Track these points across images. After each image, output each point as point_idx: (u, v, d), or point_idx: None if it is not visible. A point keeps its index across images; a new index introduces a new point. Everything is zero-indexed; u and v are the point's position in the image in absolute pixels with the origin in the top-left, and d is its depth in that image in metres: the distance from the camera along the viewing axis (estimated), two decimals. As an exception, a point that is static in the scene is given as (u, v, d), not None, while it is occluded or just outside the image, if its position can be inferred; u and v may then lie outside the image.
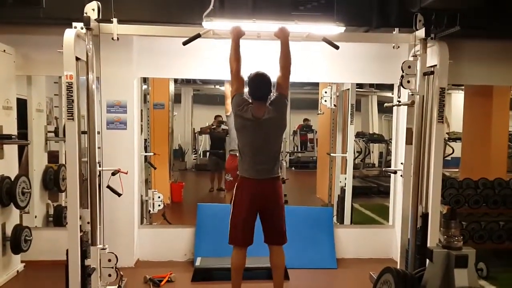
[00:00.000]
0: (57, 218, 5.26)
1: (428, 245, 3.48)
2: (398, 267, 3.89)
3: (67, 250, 3.32)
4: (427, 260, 2.70)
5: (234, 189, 3.58)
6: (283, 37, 3.45)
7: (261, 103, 3.43)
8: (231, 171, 5.54)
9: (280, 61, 3.48)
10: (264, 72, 3.48)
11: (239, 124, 3.49)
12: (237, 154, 3.67)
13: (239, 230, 3.54)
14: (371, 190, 9.05)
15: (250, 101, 3.46)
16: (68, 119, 3.28)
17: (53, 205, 5.38)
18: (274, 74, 3.51)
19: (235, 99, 3.47)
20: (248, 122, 3.40)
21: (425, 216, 3.68)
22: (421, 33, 3.64)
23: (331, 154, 6.50)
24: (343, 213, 5.95)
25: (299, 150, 14.18)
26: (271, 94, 3.50)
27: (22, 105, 4.84)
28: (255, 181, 3.47)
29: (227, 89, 5.38)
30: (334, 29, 3.73)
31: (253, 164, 3.45)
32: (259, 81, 3.45)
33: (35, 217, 5.08)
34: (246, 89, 3.54)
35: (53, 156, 5.64)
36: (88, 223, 3.48)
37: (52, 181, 5.19)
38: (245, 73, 3.51)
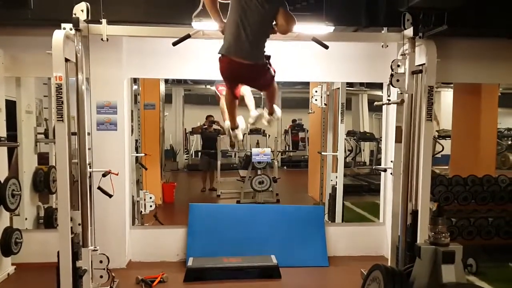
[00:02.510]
0: (47, 220, 5.24)
1: (418, 241, 3.53)
2: (389, 264, 3.93)
3: (58, 252, 3.31)
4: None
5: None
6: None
7: None
8: None
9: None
10: None
11: (233, 3, 3.23)
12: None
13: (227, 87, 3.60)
14: (362, 188, 9.09)
15: None
16: (58, 120, 3.27)
17: (43, 207, 5.35)
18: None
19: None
20: (239, 4, 3.18)
21: (414, 213, 3.72)
22: (409, 32, 3.67)
23: (322, 153, 6.53)
24: (335, 211, 5.98)
25: (291, 149, 14.23)
26: None
27: (11, 106, 4.81)
28: (233, 62, 3.23)
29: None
30: (323, 28, 3.76)
31: (236, 40, 3.19)
32: None
33: (26, 219, 5.05)
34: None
35: (43, 158, 5.60)
36: (79, 224, 3.48)
37: (43, 183, 5.16)
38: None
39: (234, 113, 3.86)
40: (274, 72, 3.52)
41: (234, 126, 3.97)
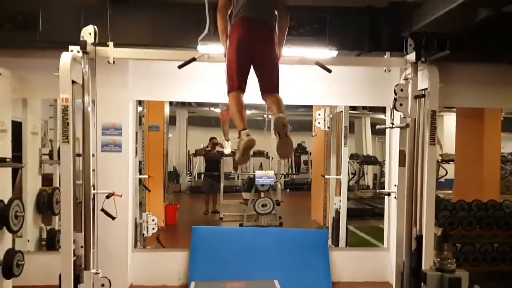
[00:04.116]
0: (50, 242, 5.20)
1: (423, 267, 3.48)
2: (394, 290, 3.87)
3: (60, 275, 3.29)
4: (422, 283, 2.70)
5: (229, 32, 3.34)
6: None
7: None
8: None
9: None
10: None
11: None
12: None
13: (233, 74, 3.22)
14: (366, 212, 9.02)
15: None
16: (63, 141, 3.29)
17: (46, 228, 5.32)
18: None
19: None
20: None
21: (419, 239, 3.69)
22: (411, 57, 3.71)
23: (326, 176, 6.51)
24: (338, 235, 5.93)
25: (294, 172, 14.19)
26: None
27: (17, 127, 4.85)
28: (248, 19, 3.21)
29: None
30: (326, 53, 3.81)
31: (248, 5, 3.20)
32: None
33: (28, 241, 5.02)
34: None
35: (47, 179, 5.61)
36: (81, 247, 3.46)
37: (46, 204, 5.14)
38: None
39: (243, 112, 3.24)
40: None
41: (244, 127, 3.17)
